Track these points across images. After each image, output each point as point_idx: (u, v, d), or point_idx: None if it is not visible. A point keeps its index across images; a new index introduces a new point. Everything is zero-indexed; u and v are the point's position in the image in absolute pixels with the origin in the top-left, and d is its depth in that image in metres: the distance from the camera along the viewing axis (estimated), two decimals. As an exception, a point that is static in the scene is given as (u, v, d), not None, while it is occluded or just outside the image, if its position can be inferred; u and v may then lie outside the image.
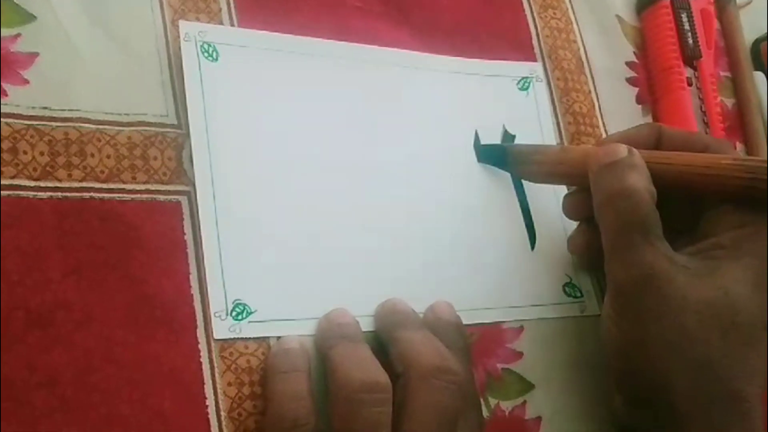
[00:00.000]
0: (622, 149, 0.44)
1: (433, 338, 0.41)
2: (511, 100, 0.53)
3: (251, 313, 0.41)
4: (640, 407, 0.43)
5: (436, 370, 0.39)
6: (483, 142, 0.50)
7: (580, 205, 0.48)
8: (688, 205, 0.46)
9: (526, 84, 0.53)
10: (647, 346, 0.41)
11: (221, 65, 0.44)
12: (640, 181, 0.43)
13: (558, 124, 0.53)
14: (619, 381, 0.44)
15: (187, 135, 0.42)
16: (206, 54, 0.44)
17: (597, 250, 0.45)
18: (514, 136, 0.51)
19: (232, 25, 0.46)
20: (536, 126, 0.53)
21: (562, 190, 0.50)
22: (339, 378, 0.38)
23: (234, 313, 0.40)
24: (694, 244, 0.44)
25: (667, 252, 0.42)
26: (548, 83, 0.54)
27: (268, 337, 0.41)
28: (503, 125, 0.51)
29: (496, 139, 0.51)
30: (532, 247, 0.49)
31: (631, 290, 0.42)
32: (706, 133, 0.57)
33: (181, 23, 0.44)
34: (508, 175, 0.50)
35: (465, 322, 0.45)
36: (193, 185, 0.42)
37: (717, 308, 0.41)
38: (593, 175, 0.45)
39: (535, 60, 0.55)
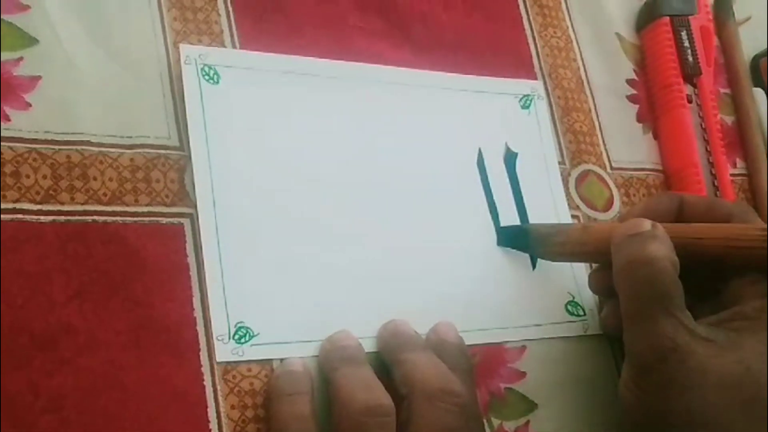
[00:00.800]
0: (646, 223, 0.44)
1: (436, 360, 0.41)
2: (514, 117, 0.53)
3: (254, 336, 0.41)
4: None
5: (440, 392, 0.39)
6: (486, 162, 0.50)
7: (605, 281, 0.46)
8: (712, 272, 0.45)
9: (528, 102, 0.53)
10: (668, 419, 0.41)
11: (222, 88, 0.44)
12: (661, 249, 0.42)
13: (559, 143, 0.53)
14: None
15: (190, 158, 0.42)
16: (207, 77, 0.44)
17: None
18: (516, 154, 0.51)
19: (234, 47, 0.46)
20: (538, 143, 0.53)
21: (562, 206, 0.51)
22: (342, 400, 0.38)
23: (236, 336, 0.40)
24: (717, 312, 0.43)
25: (689, 324, 0.41)
26: (549, 102, 0.54)
27: (271, 360, 0.41)
28: (505, 143, 0.51)
29: (498, 157, 0.51)
30: (534, 267, 0.49)
31: (650, 362, 0.41)
32: (707, 150, 0.57)
33: (182, 47, 0.44)
34: (510, 194, 0.50)
35: (467, 342, 0.44)
36: (196, 207, 0.42)
37: (738, 382, 0.40)
38: (615, 246, 0.44)
39: (535, 78, 0.55)
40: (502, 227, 0.49)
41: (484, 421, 0.44)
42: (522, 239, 0.49)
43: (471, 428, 0.40)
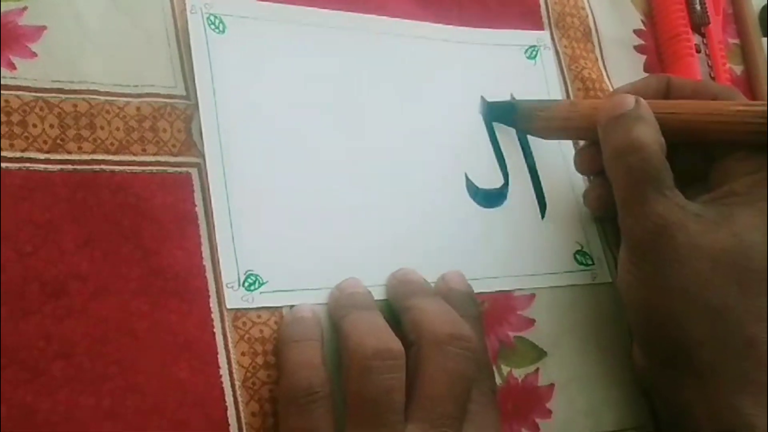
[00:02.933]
0: (630, 100, 0.44)
1: (446, 306, 0.41)
2: (519, 68, 0.52)
3: (263, 284, 0.41)
4: (660, 360, 0.43)
5: (450, 337, 0.39)
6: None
7: (592, 160, 0.47)
8: (700, 153, 0.46)
9: (534, 52, 0.53)
10: (664, 296, 0.41)
11: (228, 37, 0.44)
12: (648, 133, 0.43)
13: (567, 91, 0.53)
14: (638, 335, 0.45)
15: (197, 107, 0.42)
16: (213, 26, 0.44)
17: (611, 203, 0.45)
18: (522, 104, 0.51)
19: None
20: (545, 94, 0.52)
21: (571, 157, 0.50)
22: (351, 345, 0.38)
23: (246, 284, 0.41)
24: (707, 192, 0.44)
25: (680, 201, 0.42)
26: (556, 51, 0.54)
27: (281, 307, 0.41)
28: (511, 94, 0.51)
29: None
30: (543, 216, 0.49)
31: (645, 241, 0.42)
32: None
33: None
34: (518, 144, 0.50)
35: (476, 290, 0.45)
36: (203, 157, 0.42)
37: (731, 255, 0.41)
38: (601, 128, 0.45)
39: (542, 28, 0.54)
40: (490, 102, 0.50)
41: (494, 369, 0.44)
42: (509, 114, 0.49)
43: (481, 374, 0.41)
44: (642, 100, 0.44)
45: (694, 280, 0.41)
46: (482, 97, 0.50)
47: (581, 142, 0.50)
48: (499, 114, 0.49)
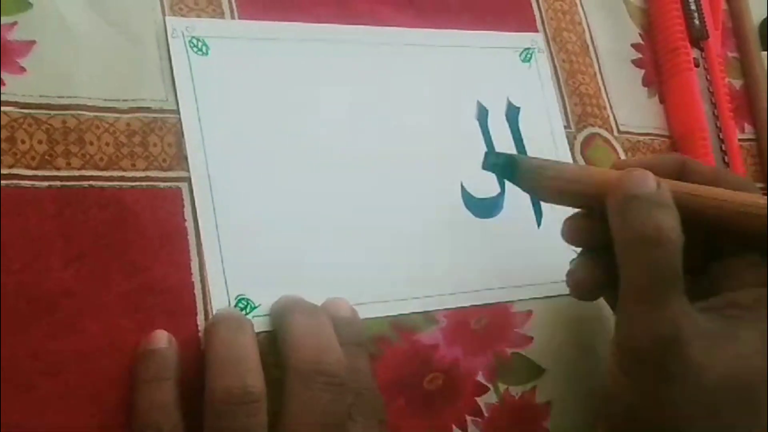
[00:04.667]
0: (651, 180, 0.39)
1: (318, 326, 0.39)
2: (514, 72, 0.52)
3: (255, 307, 0.41)
4: None
5: (314, 372, 0.37)
6: (490, 113, 0.50)
7: (588, 233, 0.43)
8: (702, 245, 0.42)
9: (528, 55, 0.53)
10: (663, 411, 0.38)
11: (212, 59, 0.44)
12: (673, 224, 0.38)
13: (565, 106, 0.53)
14: None
15: (186, 122, 0.42)
16: (195, 49, 0.44)
17: (601, 286, 0.42)
18: (518, 108, 0.51)
19: (232, 12, 0.45)
20: (540, 97, 0.52)
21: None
22: (207, 385, 0.36)
23: (238, 309, 0.40)
24: (704, 291, 0.41)
25: (690, 311, 0.38)
26: (553, 65, 0.53)
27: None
28: (507, 97, 0.51)
29: (500, 113, 0.50)
30: (539, 225, 0.49)
31: (650, 350, 0.38)
32: (714, 115, 0.56)
33: (168, 20, 0.44)
34: (514, 151, 0.50)
35: (472, 303, 0.45)
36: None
37: (738, 379, 0.38)
38: (616, 205, 0.40)
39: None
40: (488, 152, 0.47)
41: (490, 386, 0.44)
42: (510, 169, 0.44)
43: (361, 404, 0.38)
44: (664, 183, 0.40)
45: (697, 400, 0.38)
46: (478, 102, 0.50)
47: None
48: (498, 164, 0.45)
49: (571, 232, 0.44)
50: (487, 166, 0.45)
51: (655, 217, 0.38)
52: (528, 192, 0.46)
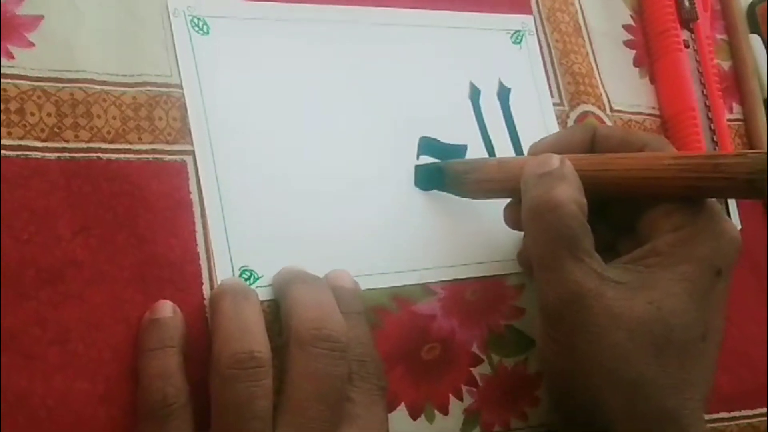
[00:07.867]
0: (554, 160, 0.42)
1: (319, 295, 0.40)
2: (505, 53, 0.53)
3: (258, 278, 0.41)
4: (577, 428, 0.41)
5: (313, 338, 0.37)
6: (482, 93, 0.50)
7: (519, 217, 0.44)
8: (631, 205, 0.43)
9: (519, 37, 0.53)
10: (580, 367, 0.39)
11: (213, 38, 0.44)
12: (568, 192, 0.40)
13: (558, 85, 0.53)
14: (556, 401, 0.43)
15: (191, 96, 0.43)
16: (197, 28, 0.44)
17: None
18: (509, 89, 0.51)
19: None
20: (530, 79, 0.53)
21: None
22: (214, 350, 0.37)
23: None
24: (635, 246, 0.42)
25: (597, 267, 0.39)
26: (547, 44, 0.54)
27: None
28: (498, 78, 0.52)
29: (492, 94, 0.51)
30: None
31: (559, 310, 0.39)
32: (704, 95, 0.57)
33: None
34: (505, 129, 0.50)
35: (467, 275, 0.46)
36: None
37: (648, 325, 0.39)
38: (523, 186, 0.42)
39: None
40: (418, 166, 0.47)
41: (485, 358, 0.45)
42: (438, 179, 0.47)
43: (363, 371, 0.39)
44: (567, 161, 0.42)
45: (610, 353, 0.39)
46: (471, 83, 0.50)
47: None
48: (428, 178, 0.47)
49: (509, 220, 0.46)
50: (418, 183, 0.47)
51: (550, 189, 0.40)
52: (459, 196, 0.47)
